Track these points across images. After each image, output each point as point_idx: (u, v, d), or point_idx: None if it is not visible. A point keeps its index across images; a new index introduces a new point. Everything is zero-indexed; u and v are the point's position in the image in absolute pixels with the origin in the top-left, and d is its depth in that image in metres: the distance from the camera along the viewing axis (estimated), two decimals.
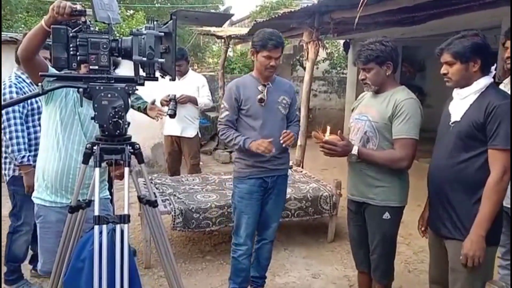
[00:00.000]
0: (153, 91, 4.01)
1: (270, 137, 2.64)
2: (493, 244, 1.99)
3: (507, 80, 2.49)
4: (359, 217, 2.52)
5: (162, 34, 1.82)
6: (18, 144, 2.76)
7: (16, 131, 2.76)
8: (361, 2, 2.98)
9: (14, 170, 2.88)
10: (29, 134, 2.86)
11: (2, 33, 6.46)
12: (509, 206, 2.32)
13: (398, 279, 3.22)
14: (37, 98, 2.86)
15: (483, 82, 1.96)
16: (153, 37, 1.80)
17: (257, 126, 2.69)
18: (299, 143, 5.03)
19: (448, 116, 2.08)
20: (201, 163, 6.91)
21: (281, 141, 2.64)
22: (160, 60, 1.82)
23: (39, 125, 2.88)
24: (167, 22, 1.88)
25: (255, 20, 7.38)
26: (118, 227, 1.85)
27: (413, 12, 4.15)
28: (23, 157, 2.76)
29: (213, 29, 8.00)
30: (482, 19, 5.43)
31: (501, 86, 2.51)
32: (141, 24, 7.92)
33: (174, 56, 1.89)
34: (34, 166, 2.83)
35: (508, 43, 2.41)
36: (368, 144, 2.36)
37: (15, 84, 2.81)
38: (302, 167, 5.03)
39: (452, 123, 2.04)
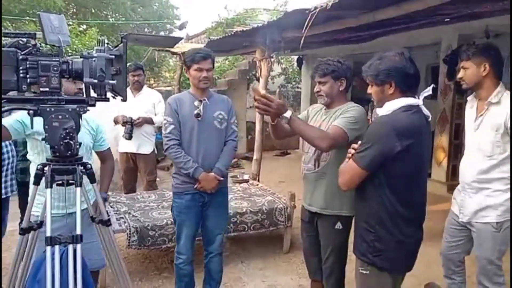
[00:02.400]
0: (107, 108, 4.02)
1: (207, 152, 2.80)
2: (384, 269, 1.98)
3: (471, 97, 2.58)
4: (311, 227, 2.65)
5: (113, 56, 1.88)
6: None
7: None
8: (305, 24, 3.15)
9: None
10: None
11: None
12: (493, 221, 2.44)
13: (352, 285, 3.36)
14: None
15: (394, 104, 1.93)
16: (104, 60, 1.85)
17: (194, 140, 2.79)
18: (255, 156, 5.13)
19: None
20: (158, 179, 6.89)
21: None
22: (111, 81, 1.87)
23: None
24: (117, 45, 1.94)
25: (209, 38, 7.50)
26: (70, 247, 1.87)
27: (358, 31, 4.39)
28: None
29: None
30: (424, 36, 5.80)
31: (467, 104, 2.61)
32: (94, 40, 7.83)
33: (125, 78, 1.94)
34: None
35: (464, 64, 2.46)
36: (322, 154, 2.49)
37: None
38: (258, 181, 5.13)
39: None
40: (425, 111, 1.98)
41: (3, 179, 2.96)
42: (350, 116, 2.38)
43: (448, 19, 3.88)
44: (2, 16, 10.85)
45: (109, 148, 2.84)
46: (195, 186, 2.79)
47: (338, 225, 2.48)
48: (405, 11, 3.08)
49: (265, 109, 2.19)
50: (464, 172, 2.57)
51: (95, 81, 1.84)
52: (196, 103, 2.79)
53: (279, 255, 4.10)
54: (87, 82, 1.86)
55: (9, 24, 11.42)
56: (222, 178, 2.83)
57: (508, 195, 2.40)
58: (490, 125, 2.42)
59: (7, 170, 2.98)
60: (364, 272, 2.03)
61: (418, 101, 1.96)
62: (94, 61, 1.85)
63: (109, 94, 1.94)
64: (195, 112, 2.77)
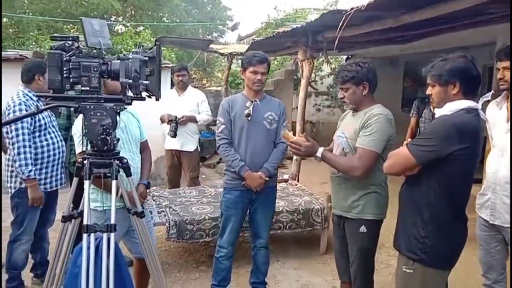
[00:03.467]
0: (154, 108, 4.21)
1: (255, 150, 2.92)
2: (430, 265, 2.01)
3: (499, 99, 2.55)
4: (339, 229, 2.65)
5: (147, 58, 2.00)
6: (25, 159, 2.93)
7: (24, 146, 2.94)
8: (340, 25, 3.14)
9: (20, 183, 3.06)
10: (35, 148, 3.04)
11: (13, 50, 6.74)
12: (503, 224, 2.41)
13: None
14: (44, 115, 3.07)
15: (456, 105, 1.96)
16: (139, 61, 1.98)
17: (243, 139, 2.93)
18: (294, 157, 5.16)
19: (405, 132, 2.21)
20: (203, 176, 7.10)
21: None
22: (145, 82, 1.99)
23: (45, 140, 3.09)
24: (152, 48, 2.06)
25: (253, 39, 7.60)
26: (105, 235, 2.01)
27: (401, 31, 4.30)
28: (30, 171, 2.94)
29: (216, 46, 8.25)
30: (477, 36, 5.54)
31: (492, 105, 2.59)
32: (147, 41, 8.20)
33: (159, 79, 2.06)
34: (39, 180, 3.03)
35: (499, 64, 2.45)
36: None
37: (24, 102, 3.00)
38: (298, 181, 5.15)
39: None
40: (483, 115, 2.05)
41: (53, 173, 3.18)
42: (371, 132, 2.36)
43: (493, 18, 3.69)
44: (65, 19, 11.59)
45: (147, 139, 2.98)
46: (243, 183, 2.92)
47: (363, 229, 2.46)
48: (444, 11, 2.99)
49: (296, 153, 2.44)
50: (496, 172, 2.48)
51: (130, 81, 1.97)
52: (247, 104, 2.93)
53: (315, 256, 4.11)
54: (123, 82, 1.99)
55: (73, 26, 12.17)
56: (267, 178, 2.92)
57: None
58: None
59: (57, 164, 3.20)
60: (408, 270, 2.05)
61: (477, 105, 2.00)
62: (130, 62, 1.98)
63: (144, 94, 2.07)
64: (246, 112, 2.91)
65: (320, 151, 2.39)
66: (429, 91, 2.08)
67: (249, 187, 2.92)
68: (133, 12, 16.10)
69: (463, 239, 2.07)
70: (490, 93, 2.09)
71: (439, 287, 2.08)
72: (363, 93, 2.47)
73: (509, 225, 2.42)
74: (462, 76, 1.96)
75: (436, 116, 2.06)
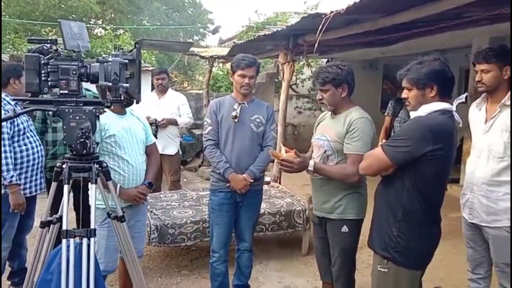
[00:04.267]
0: (134, 111, 4.16)
1: (241, 152, 2.91)
2: (403, 265, 2.04)
3: (479, 100, 2.61)
4: (321, 229, 2.68)
5: (127, 61, 1.99)
6: (6, 164, 2.87)
7: (5, 151, 2.87)
8: (320, 28, 3.18)
9: None
10: (15, 153, 2.98)
11: None
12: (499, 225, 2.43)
13: None
14: (22, 119, 3.01)
15: (430, 107, 2.00)
16: (118, 64, 1.96)
17: (230, 140, 2.93)
18: (276, 160, 5.17)
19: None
20: (185, 179, 7.06)
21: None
22: (124, 84, 1.98)
23: (24, 144, 3.03)
24: (131, 50, 2.05)
25: (234, 42, 7.62)
26: (84, 241, 1.99)
27: (380, 34, 4.37)
28: (12, 176, 2.88)
29: (197, 49, 8.24)
30: (453, 40, 5.68)
31: (473, 106, 2.65)
32: (127, 44, 8.13)
33: (139, 81, 2.05)
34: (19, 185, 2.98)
35: (477, 67, 2.49)
36: (327, 161, 2.53)
37: (3, 106, 2.93)
38: (279, 183, 5.17)
39: None
40: (457, 117, 2.07)
41: (32, 178, 3.13)
42: (358, 137, 2.40)
43: (470, 21, 3.78)
44: (43, 22, 11.41)
45: (155, 142, 3.08)
46: (227, 185, 2.92)
47: (344, 229, 2.49)
48: (423, 14, 3.05)
49: (290, 170, 2.42)
50: (473, 173, 2.55)
51: (110, 84, 1.96)
52: (235, 106, 2.94)
53: (297, 257, 4.13)
54: (102, 85, 1.97)
55: (51, 29, 11.98)
56: (252, 180, 2.91)
57: None
58: (504, 127, 2.40)
59: (37, 169, 3.14)
60: (383, 270, 2.09)
61: (452, 107, 2.04)
62: (110, 65, 1.97)
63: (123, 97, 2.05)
64: (233, 114, 2.91)
65: (311, 164, 2.42)
66: (405, 94, 2.10)
67: (233, 189, 2.91)
68: (112, 15, 15.96)
69: (436, 239, 2.10)
70: (464, 95, 2.13)
71: (412, 287, 2.10)
72: (342, 95, 2.50)
73: (486, 224, 2.47)
74: (439, 79, 2.00)
75: (411, 117, 2.10)
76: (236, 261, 3.17)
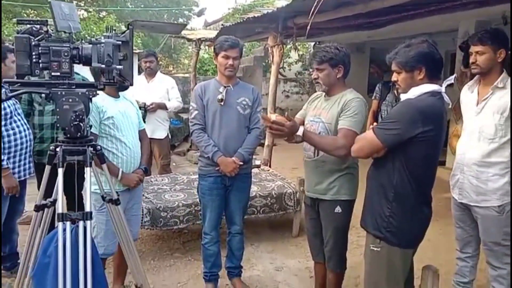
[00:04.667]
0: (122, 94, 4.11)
1: (228, 135, 2.90)
2: (396, 245, 2.08)
3: (471, 82, 2.65)
4: (313, 211, 2.71)
5: (120, 42, 1.96)
6: None
7: None
8: (312, 10, 3.17)
9: None
10: (8, 136, 2.95)
11: None
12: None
13: (357, 269, 3.43)
14: (9, 103, 2.96)
15: (420, 89, 2.02)
16: (111, 45, 1.93)
17: (217, 124, 2.92)
18: (266, 143, 5.20)
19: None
20: (173, 164, 7.04)
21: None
22: (118, 66, 1.95)
23: (12, 128, 2.98)
24: (124, 32, 2.01)
25: (222, 24, 7.54)
26: (81, 223, 1.98)
27: (369, 17, 4.37)
28: (2, 160, 2.84)
29: (184, 31, 8.12)
30: (442, 22, 5.71)
31: (465, 88, 2.69)
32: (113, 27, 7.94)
33: (132, 63, 2.03)
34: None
35: (472, 48, 2.50)
36: None
37: None
38: (270, 166, 5.20)
39: None
40: (447, 98, 2.09)
41: (21, 162, 3.09)
42: (353, 113, 2.41)
43: (458, 4, 3.80)
44: (23, 4, 11.10)
45: (144, 128, 3.07)
46: (217, 168, 2.91)
47: (338, 209, 2.53)
48: None
49: (279, 134, 2.29)
50: (464, 154, 2.60)
51: (103, 66, 1.93)
52: (220, 89, 2.91)
53: (288, 238, 4.19)
54: (96, 66, 1.94)
55: (31, 11, 11.67)
56: (241, 163, 2.92)
57: (506, 179, 2.44)
58: (496, 108, 2.45)
59: (25, 153, 3.10)
60: (376, 249, 2.12)
61: (441, 88, 2.06)
62: (102, 47, 1.93)
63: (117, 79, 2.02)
64: (218, 97, 2.89)
65: (301, 129, 2.34)
66: (394, 77, 2.12)
67: (223, 172, 2.91)
68: None
69: (427, 220, 2.14)
70: (453, 76, 2.18)
71: (405, 266, 2.15)
72: (337, 76, 2.51)
73: (476, 204, 2.54)
74: (427, 61, 2.02)
75: (401, 100, 2.11)
76: (227, 244, 3.21)
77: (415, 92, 2.03)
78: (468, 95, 2.64)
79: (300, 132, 2.32)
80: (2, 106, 2.91)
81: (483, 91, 2.53)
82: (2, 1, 10.51)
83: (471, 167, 2.54)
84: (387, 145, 2.01)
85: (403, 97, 2.11)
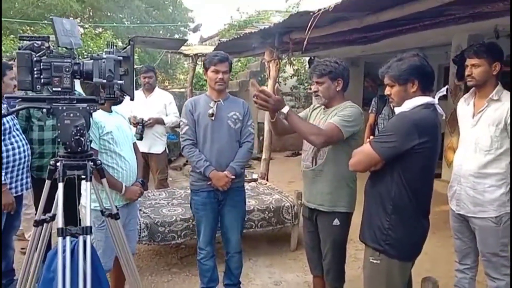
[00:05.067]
0: (120, 109, 4.14)
1: (220, 150, 2.92)
2: (395, 257, 2.09)
3: (467, 95, 2.69)
4: (311, 223, 2.72)
5: (121, 58, 1.99)
6: None
7: None
8: (308, 26, 3.22)
9: None
10: (7, 151, 2.94)
11: None
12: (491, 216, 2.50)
13: (356, 283, 3.42)
14: (7, 118, 2.96)
15: (413, 102, 2.06)
16: (113, 61, 1.96)
17: (208, 139, 2.93)
18: (263, 156, 5.21)
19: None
20: (170, 178, 7.02)
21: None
22: (119, 81, 1.97)
23: (10, 143, 2.98)
24: (125, 47, 2.04)
25: (219, 40, 7.62)
26: (81, 238, 1.98)
27: (365, 32, 4.44)
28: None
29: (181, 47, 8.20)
30: (434, 37, 5.80)
31: (461, 101, 2.74)
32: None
33: (133, 78, 2.05)
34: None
35: (468, 61, 2.56)
36: (318, 153, 2.57)
37: None
38: (267, 180, 5.21)
39: None
40: (440, 110, 2.13)
41: (19, 177, 3.08)
42: (346, 115, 2.44)
43: (452, 18, 3.88)
44: (21, 20, 11.17)
45: (135, 141, 3.07)
46: (209, 183, 2.92)
47: (336, 222, 2.54)
48: (408, 12, 3.13)
49: (263, 104, 2.27)
50: (460, 165, 2.63)
51: (104, 81, 1.95)
52: (211, 104, 2.93)
53: (286, 252, 4.17)
54: (97, 82, 1.96)
55: (27, 28, 11.74)
56: (233, 177, 2.92)
57: (502, 190, 2.47)
58: (491, 120, 2.49)
59: (22, 168, 3.09)
60: (375, 261, 2.13)
61: (434, 100, 2.10)
62: (104, 62, 1.96)
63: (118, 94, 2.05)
64: (209, 112, 2.90)
65: (286, 108, 2.32)
66: (387, 91, 2.17)
67: (215, 187, 2.91)
68: (91, 13, 15.71)
69: (425, 231, 2.16)
70: (445, 88, 2.19)
71: (404, 278, 2.16)
72: (337, 89, 2.56)
73: (473, 215, 2.56)
74: (419, 74, 2.07)
75: (396, 113, 2.15)
76: (226, 263, 3.18)
77: (409, 105, 2.07)
78: (464, 107, 2.69)
79: (285, 109, 2.31)
80: (1, 122, 2.92)
81: (478, 104, 2.57)
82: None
83: (468, 178, 2.56)
84: (384, 158, 2.03)
85: (397, 110, 2.14)
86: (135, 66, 6.97)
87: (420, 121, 2.00)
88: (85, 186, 2.16)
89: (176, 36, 18.42)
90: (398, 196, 2.05)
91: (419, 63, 2.07)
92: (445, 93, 2.19)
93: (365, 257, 2.22)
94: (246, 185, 4.83)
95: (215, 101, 2.94)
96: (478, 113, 2.56)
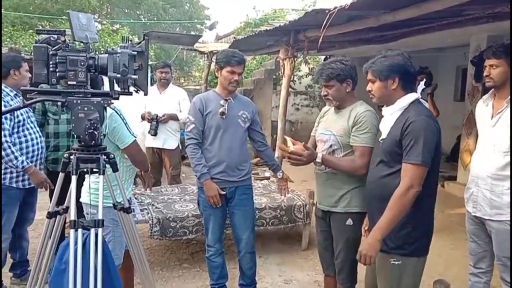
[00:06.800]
0: (135, 104, 4.18)
1: (230, 148, 2.92)
2: (415, 255, 2.12)
3: (486, 96, 2.65)
4: (324, 223, 2.70)
5: (135, 52, 1.99)
6: (13, 152, 2.87)
7: (6, 142, 2.87)
8: (324, 23, 3.20)
9: None
10: (20, 143, 2.99)
11: None
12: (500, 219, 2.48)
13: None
14: (22, 111, 3.00)
15: (406, 99, 2.11)
16: (127, 56, 1.97)
17: (218, 137, 2.92)
18: (276, 155, 5.18)
19: (379, 133, 2.26)
20: (183, 174, 7.06)
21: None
22: (133, 76, 1.98)
23: (24, 136, 3.03)
24: (140, 42, 2.05)
25: (234, 37, 7.62)
26: (92, 231, 2.00)
27: (381, 31, 4.39)
28: (22, 162, 2.90)
29: (196, 44, 8.22)
30: (453, 37, 5.72)
31: (480, 102, 2.71)
32: None
33: (147, 73, 2.06)
34: (17, 176, 2.99)
35: (486, 62, 2.53)
36: (333, 154, 2.55)
37: (2, 98, 2.93)
38: None
39: (381, 140, 2.20)
40: (426, 104, 2.28)
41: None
42: (366, 128, 2.41)
43: (470, 18, 3.81)
44: (40, 16, 11.34)
45: None
46: (215, 181, 2.91)
47: (349, 221, 2.52)
48: (425, 11, 3.08)
49: (297, 163, 2.37)
50: (478, 167, 2.59)
51: (119, 75, 1.96)
52: (221, 102, 2.92)
53: (297, 251, 4.16)
54: (111, 76, 1.97)
55: (47, 23, 11.92)
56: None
57: None
58: (510, 122, 2.43)
59: (36, 160, 3.13)
60: (397, 262, 2.12)
61: (418, 95, 2.24)
62: (118, 57, 1.97)
63: (132, 88, 2.06)
64: (220, 110, 2.89)
65: (319, 156, 2.41)
66: (369, 87, 2.20)
67: (206, 195, 2.89)
68: (109, 10, 15.88)
69: (432, 225, 2.20)
70: (422, 84, 2.29)
71: (419, 275, 2.18)
72: (347, 90, 2.52)
73: (490, 218, 2.51)
74: (400, 72, 2.10)
75: (384, 113, 2.21)
76: (238, 262, 3.17)
77: (402, 103, 2.12)
78: (483, 108, 2.64)
79: (319, 158, 2.40)
80: (15, 114, 2.96)
81: (497, 105, 2.52)
82: (19, 14, 10.77)
83: (485, 180, 2.52)
84: (429, 164, 2.01)
85: (387, 110, 2.19)
86: (151, 62, 7.05)
87: (434, 117, 2.10)
88: (88, 183, 2.21)
89: (193, 33, 18.52)
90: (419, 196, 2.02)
91: (402, 62, 2.10)
92: (430, 91, 2.37)
93: (383, 261, 2.17)
94: (259, 183, 4.85)
95: (226, 100, 2.93)
96: (497, 114, 2.51)
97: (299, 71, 11.00)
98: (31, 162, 3.09)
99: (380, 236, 2.00)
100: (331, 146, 2.54)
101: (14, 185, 3.02)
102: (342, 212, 2.54)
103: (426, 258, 2.19)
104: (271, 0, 14.20)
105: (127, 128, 2.55)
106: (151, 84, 5.79)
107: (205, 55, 8.60)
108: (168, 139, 4.91)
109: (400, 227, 2.07)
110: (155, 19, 16.17)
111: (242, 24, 12.26)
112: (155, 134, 4.71)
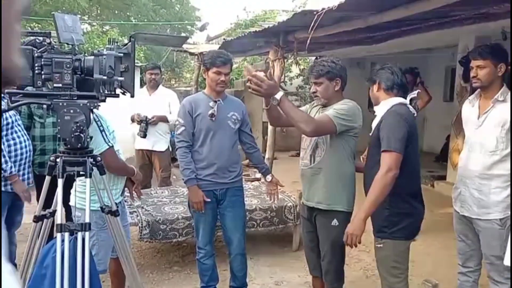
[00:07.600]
0: (124, 107, 4.15)
1: (220, 150, 2.91)
2: (402, 238, 2.34)
3: (472, 97, 2.68)
4: (310, 224, 2.70)
5: (122, 54, 1.98)
6: (3, 156, 2.85)
7: None
8: (311, 24, 3.21)
9: None
10: (9, 146, 2.96)
11: None
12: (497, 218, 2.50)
13: (356, 284, 3.40)
14: (10, 114, 2.98)
15: (390, 102, 2.36)
16: (113, 57, 1.96)
17: (208, 139, 2.90)
18: (267, 155, 5.20)
19: (371, 129, 2.43)
20: (174, 176, 7.03)
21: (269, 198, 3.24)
22: (119, 78, 1.97)
23: (12, 139, 3.00)
24: (126, 44, 2.04)
25: (224, 39, 7.62)
26: (79, 234, 1.98)
27: (369, 32, 4.42)
28: (11, 167, 2.88)
29: (186, 46, 8.20)
30: (441, 38, 5.76)
31: (466, 103, 2.73)
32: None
33: (133, 75, 2.05)
34: (5, 180, 2.96)
35: (473, 63, 2.55)
36: (317, 150, 2.56)
37: None
38: None
39: (371, 135, 2.43)
40: (412, 108, 2.44)
41: (20, 172, 3.10)
42: (340, 109, 2.44)
43: (457, 19, 3.85)
44: (28, 17, 11.23)
45: None
46: (206, 183, 2.91)
47: (335, 222, 2.52)
48: (413, 12, 3.10)
49: (257, 89, 2.21)
50: (466, 166, 2.61)
51: (105, 77, 1.95)
52: (211, 103, 2.90)
53: (288, 252, 4.16)
54: (97, 78, 1.96)
55: (35, 25, 11.80)
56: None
57: (508, 191, 2.44)
58: (496, 121, 2.47)
59: (24, 163, 3.10)
60: (379, 245, 2.38)
61: (406, 100, 2.41)
62: (104, 58, 1.96)
63: (118, 90, 2.05)
64: (210, 112, 2.87)
65: (279, 94, 2.26)
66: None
67: (193, 204, 2.89)
68: (99, 11, 15.79)
69: (421, 214, 2.44)
70: (416, 92, 2.60)
71: (406, 255, 2.40)
72: (335, 89, 2.53)
73: (477, 217, 2.53)
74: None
75: (376, 112, 2.44)
76: (229, 264, 3.16)
77: (386, 105, 2.35)
78: (469, 109, 2.67)
79: (278, 95, 2.26)
80: (4, 117, 2.93)
81: (483, 105, 2.55)
82: None
83: (473, 180, 2.54)
84: (402, 150, 2.23)
85: (377, 109, 2.45)
86: (141, 64, 7.02)
87: (404, 114, 2.33)
88: (75, 186, 2.19)
89: (183, 34, 18.47)
90: (397, 184, 2.21)
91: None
92: (415, 95, 2.59)
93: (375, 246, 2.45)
94: (249, 185, 4.85)
95: (215, 101, 2.91)
96: (483, 114, 2.53)
97: (290, 72, 11.02)
98: (20, 165, 3.07)
99: (364, 215, 2.21)
100: (317, 143, 2.55)
101: (2, 188, 2.99)
102: (327, 209, 2.54)
103: (407, 243, 2.37)
104: (262, 1, 14.22)
105: (103, 136, 2.44)
106: (141, 86, 5.76)
107: (196, 57, 8.57)
108: (158, 141, 4.88)
109: (379, 212, 2.26)
110: (145, 20, 16.10)
111: (232, 25, 12.27)
112: (144, 136, 4.69)
